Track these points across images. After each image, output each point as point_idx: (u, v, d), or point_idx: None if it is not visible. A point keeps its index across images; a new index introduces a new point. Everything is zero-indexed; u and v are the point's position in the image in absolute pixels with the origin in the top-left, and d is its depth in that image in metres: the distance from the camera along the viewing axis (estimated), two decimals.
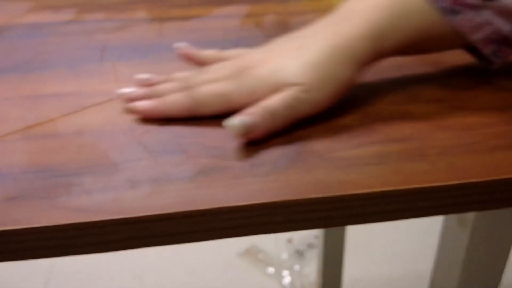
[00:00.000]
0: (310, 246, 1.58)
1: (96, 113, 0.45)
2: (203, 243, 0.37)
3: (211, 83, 0.44)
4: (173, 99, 0.44)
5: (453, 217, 0.64)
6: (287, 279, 1.47)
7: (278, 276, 1.48)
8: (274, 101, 0.42)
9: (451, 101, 0.45)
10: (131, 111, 0.44)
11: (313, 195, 0.35)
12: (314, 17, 0.63)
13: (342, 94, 0.43)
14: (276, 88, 0.42)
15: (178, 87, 0.45)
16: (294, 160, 0.39)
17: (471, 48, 0.48)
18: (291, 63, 0.43)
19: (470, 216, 0.61)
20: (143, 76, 0.48)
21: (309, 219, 0.36)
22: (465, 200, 0.37)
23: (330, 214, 0.36)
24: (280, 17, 0.64)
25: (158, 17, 0.63)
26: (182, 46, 0.50)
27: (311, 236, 1.61)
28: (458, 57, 0.51)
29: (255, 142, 0.41)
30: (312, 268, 1.50)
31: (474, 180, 0.37)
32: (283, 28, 0.61)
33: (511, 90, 0.47)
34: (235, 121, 0.40)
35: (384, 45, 0.44)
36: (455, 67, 0.48)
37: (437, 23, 0.44)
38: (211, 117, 0.43)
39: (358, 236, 1.58)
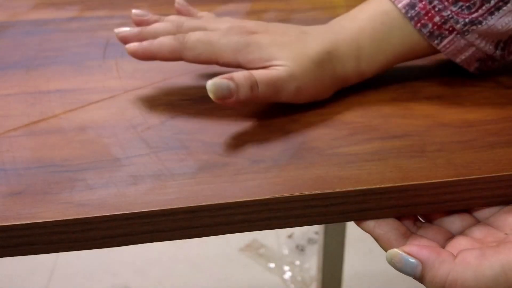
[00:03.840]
0: (311, 241, 1.58)
1: (99, 109, 0.45)
2: (204, 238, 0.37)
3: (203, 32, 0.45)
4: (162, 41, 0.45)
5: None
6: (288, 274, 1.47)
7: (279, 271, 1.48)
8: (258, 73, 0.41)
9: (451, 98, 0.46)
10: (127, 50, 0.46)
11: (313, 191, 0.35)
12: (315, 14, 0.63)
13: (319, 98, 0.45)
14: (265, 60, 0.43)
15: (170, 29, 0.46)
16: (294, 156, 0.39)
17: None
18: (292, 48, 0.43)
19: None
20: (138, 11, 0.50)
21: (309, 215, 0.36)
22: (464, 196, 0.37)
23: (329, 210, 0.36)
24: (282, 14, 0.64)
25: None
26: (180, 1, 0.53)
27: (312, 232, 1.61)
28: None
29: (255, 139, 0.41)
30: (312, 263, 1.51)
31: (473, 176, 0.37)
32: None
33: (509, 87, 0.47)
34: (215, 81, 0.39)
35: (366, 67, 0.46)
36: (455, 64, 0.48)
37: (420, 44, 0.46)
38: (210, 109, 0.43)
39: (358, 231, 1.58)
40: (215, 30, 0.45)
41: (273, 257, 1.52)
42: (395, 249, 0.34)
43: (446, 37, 0.45)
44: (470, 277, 0.32)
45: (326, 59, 0.44)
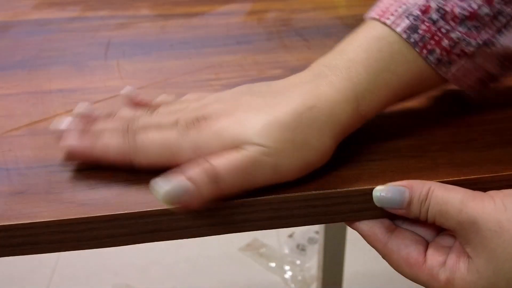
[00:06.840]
0: (311, 240, 1.58)
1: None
2: (205, 238, 0.37)
3: (156, 130, 0.37)
4: (108, 142, 0.37)
5: None
6: (288, 274, 1.47)
7: (280, 271, 1.48)
8: (223, 162, 0.34)
9: (451, 98, 0.46)
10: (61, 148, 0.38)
11: (315, 191, 0.36)
12: (315, 14, 0.63)
13: (316, 165, 0.36)
14: (231, 146, 0.35)
15: (119, 129, 0.37)
16: None
17: None
18: (256, 119, 0.35)
19: None
20: (83, 109, 0.40)
21: (310, 214, 0.36)
22: None
23: (331, 209, 0.37)
24: (282, 14, 0.64)
25: (161, 14, 0.63)
26: (127, 90, 0.42)
27: (312, 231, 1.61)
28: None
29: None
30: (313, 262, 1.50)
31: (473, 176, 0.37)
32: (285, 25, 0.61)
33: (509, 87, 0.47)
34: (168, 188, 0.33)
35: (367, 107, 0.38)
36: None
37: (426, 73, 0.39)
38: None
39: None
40: (168, 123, 0.37)
41: (274, 256, 1.52)
42: (380, 186, 0.36)
43: (454, 62, 0.39)
44: (439, 191, 0.35)
45: (308, 118, 0.35)
